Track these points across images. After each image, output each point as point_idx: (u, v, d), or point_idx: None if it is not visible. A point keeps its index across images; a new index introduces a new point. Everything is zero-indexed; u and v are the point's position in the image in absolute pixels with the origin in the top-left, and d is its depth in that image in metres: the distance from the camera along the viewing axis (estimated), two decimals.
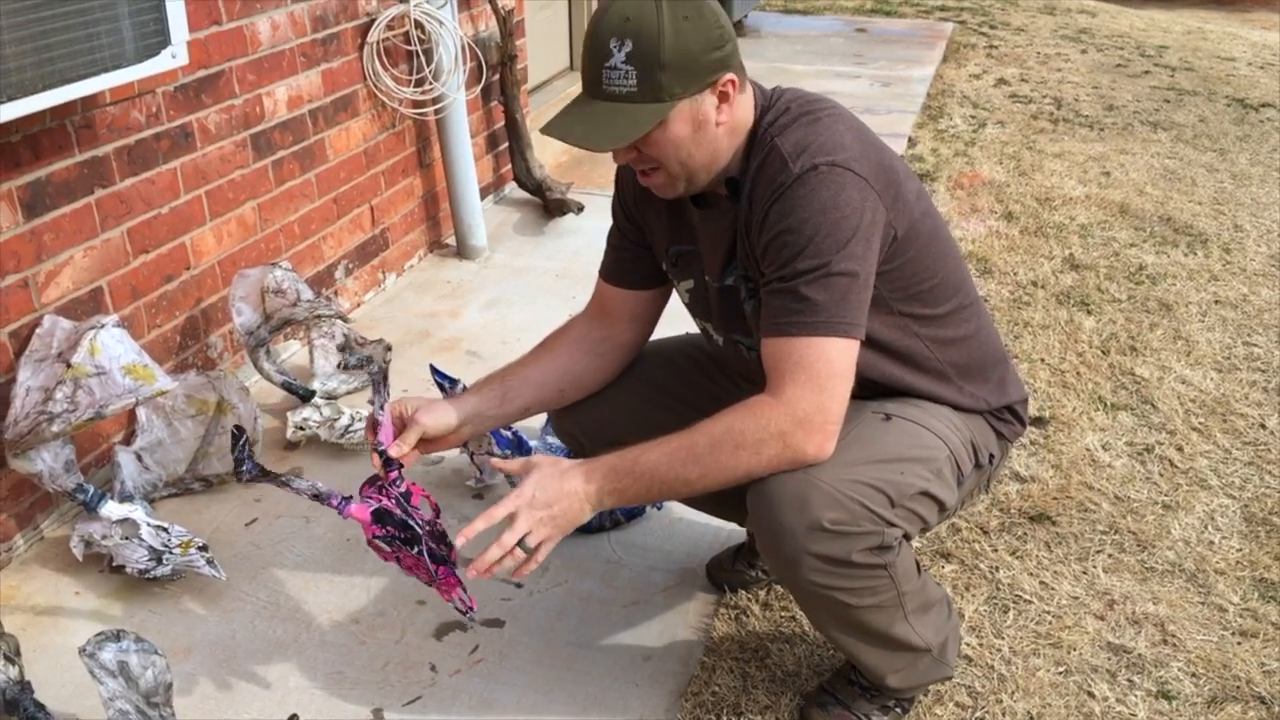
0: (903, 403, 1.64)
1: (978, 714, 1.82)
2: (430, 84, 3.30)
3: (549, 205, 3.89)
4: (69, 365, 1.99)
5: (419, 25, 3.22)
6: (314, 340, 2.76)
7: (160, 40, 2.07)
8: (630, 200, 1.75)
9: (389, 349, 2.83)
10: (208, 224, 2.60)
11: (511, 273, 3.53)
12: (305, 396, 2.61)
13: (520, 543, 1.46)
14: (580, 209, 3.84)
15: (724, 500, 1.61)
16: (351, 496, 1.66)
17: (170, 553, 2.05)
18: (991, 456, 1.72)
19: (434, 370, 2.25)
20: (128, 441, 2.33)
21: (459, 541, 1.47)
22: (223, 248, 2.66)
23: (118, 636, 1.57)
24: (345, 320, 2.72)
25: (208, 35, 2.50)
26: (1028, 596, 2.10)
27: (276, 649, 1.97)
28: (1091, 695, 1.87)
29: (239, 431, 1.70)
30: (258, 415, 2.41)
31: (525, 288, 3.38)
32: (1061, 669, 1.93)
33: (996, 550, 2.23)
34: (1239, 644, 1.99)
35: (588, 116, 1.45)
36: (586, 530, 2.23)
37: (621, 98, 1.43)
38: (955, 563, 2.19)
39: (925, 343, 1.64)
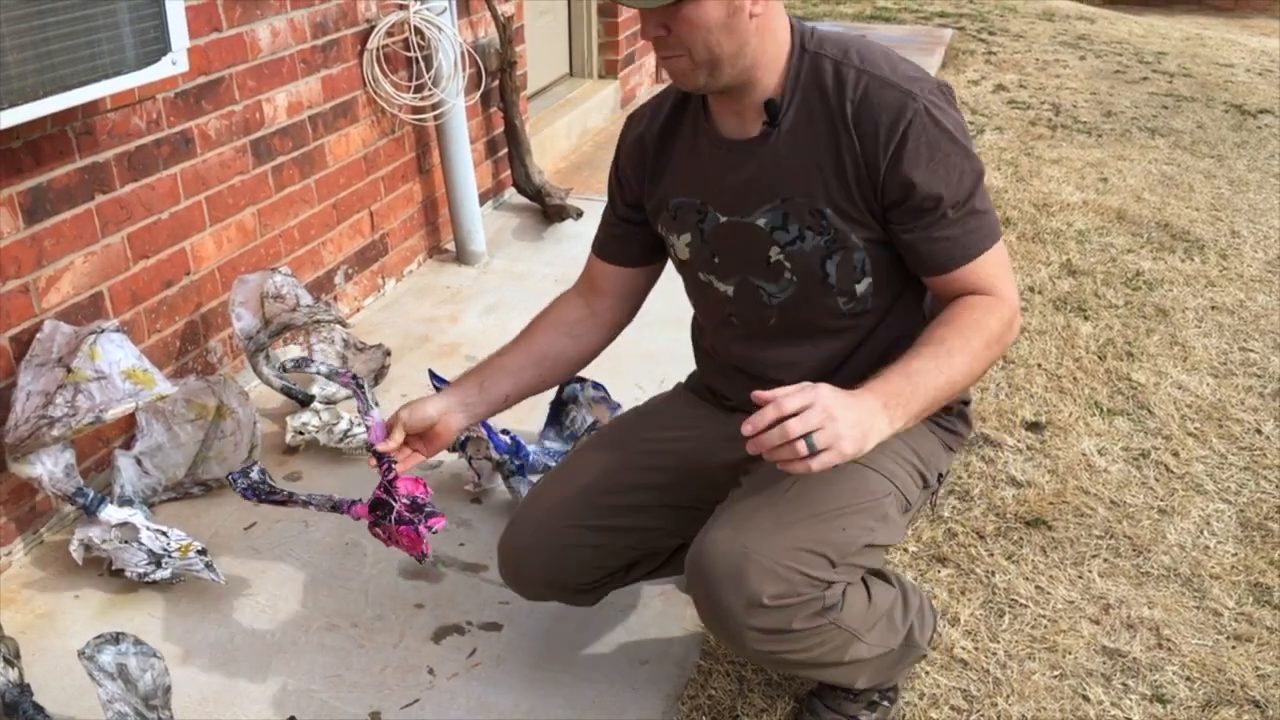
0: None
1: (973, 718, 1.83)
2: (430, 90, 3.31)
3: (548, 211, 3.89)
4: (69, 370, 2.00)
5: (418, 31, 3.23)
6: (313, 345, 2.77)
7: (160, 47, 2.08)
8: (631, 161, 1.73)
9: (388, 354, 2.84)
10: (208, 229, 2.61)
11: (511, 278, 3.54)
12: (305, 401, 2.62)
13: (807, 439, 1.31)
14: (579, 214, 3.85)
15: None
16: (359, 499, 1.79)
17: (169, 556, 2.06)
18: (940, 475, 1.71)
19: (433, 375, 2.26)
20: (127, 446, 2.34)
21: (746, 430, 1.34)
22: (222, 253, 2.67)
23: (117, 639, 1.58)
24: (345, 325, 2.73)
25: (208, 42, 2.52)
26: (1023, 601, 2.11)
27: (275, 652, 1.98)
28: (1086, 699, 1.88)
29: (260, 473, 1.89)
30: (257, 420, 2.42)
31: (524, 293, 3.39)
32: (1057, 673, 1.93)
33: (992, 554, 2.23)
34: (1234, 648, 2.00)
35: None
36: None
37: None
38: (951, 567, 2.20)
39: (919, 323, 1.61)
